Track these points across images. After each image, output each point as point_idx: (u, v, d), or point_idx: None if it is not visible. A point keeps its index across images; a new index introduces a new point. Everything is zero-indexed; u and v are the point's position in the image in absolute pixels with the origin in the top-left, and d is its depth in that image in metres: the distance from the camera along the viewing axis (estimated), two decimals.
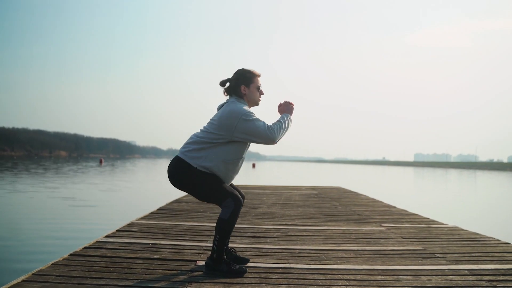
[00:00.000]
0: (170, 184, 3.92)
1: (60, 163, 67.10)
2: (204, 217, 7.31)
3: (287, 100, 4.04)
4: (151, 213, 7.80)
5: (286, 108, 4.01)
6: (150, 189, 23.21)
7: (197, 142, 3.83)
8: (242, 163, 3.99)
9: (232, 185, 4.07)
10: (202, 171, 3.77)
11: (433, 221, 7.55)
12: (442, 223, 7.33)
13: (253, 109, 3.93)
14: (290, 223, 6.95)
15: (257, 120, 3.74)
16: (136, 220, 6.86)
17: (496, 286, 3.63)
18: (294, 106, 4.03)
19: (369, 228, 6.67)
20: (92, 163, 78.94)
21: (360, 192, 14.83)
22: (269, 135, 3.70)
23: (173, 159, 3.92)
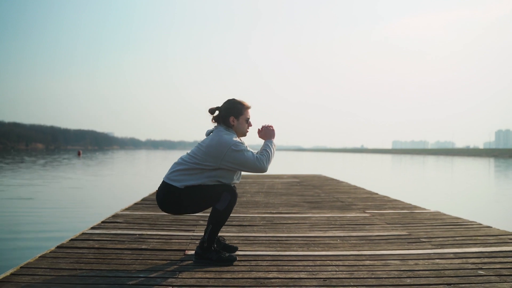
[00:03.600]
0: (161, 209, 3.94)
1: (38, 156, 66.17)
2: None
3: (265, 125, 4.06)
4: (135, 203, 7.76)
5: (267, 134, 4.03)
6: (132, 180, 23.07)
7: (183, 166, 3.82)
8: (238, 179, 4.00)
9: None
10: (190, 186, 3.78)
11: (416, 207, 7.66)
12: (424, 209, 7.44)
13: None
14: (275, 211, 6.98)
15: (246, 151, 3.75)
16: (121, 211, 6.82)
17: (481, 268, 3.71)
18: (274, 129, 4.06)
19: (353, 214, 6.73)
20: (70, 155, 78.00)
21: (341, 179, 14.95)
22: (259, 166, 3.74)
23: (160, 185, 3.91)
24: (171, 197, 3.82)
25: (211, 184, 3.82)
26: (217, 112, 3.98)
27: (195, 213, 4.00)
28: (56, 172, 28.31)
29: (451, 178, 27.78)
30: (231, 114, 3.91)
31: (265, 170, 3.78)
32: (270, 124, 4.07)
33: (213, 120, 3.99)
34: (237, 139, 3.85)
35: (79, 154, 79.37)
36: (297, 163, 52.88)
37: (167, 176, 3.86)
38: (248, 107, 3.98)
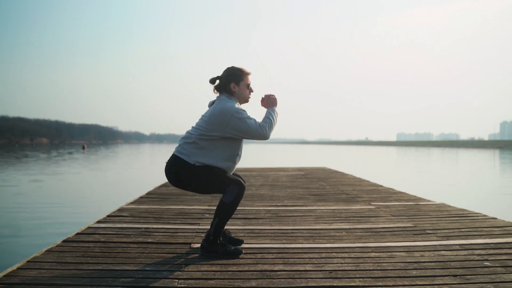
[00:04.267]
0: (169, 182, 3.95)
1: (42, 151, 66.37)
2: (194, 201, 7.31)
3: (268, 94, 4.09)
4: (140, 197, 7.78)
5: (269, 102, 4.06)
6: (137, 174, 23.11)
7: (191, 139, 3.85)
8: (239, 159, 4.01)
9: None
10: (200, 166, 3.79)
11: (421, 199, 7.65)
12: (429, 200, 7.42)
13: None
14: (280, 204, 6.99)
15: (249, 118, 3.77)
16: (126, 205, 6.84)
17: (487, 260, 3.70)
18: (276, 97, 4.08)
19: (358, 207, 6.73)
20: (75, 149, 78.21)
21: (345, 172, 14.94)
22: (261, 133, 3.76)
23: (170, 158, 3.93)
24: (181, 171, 3.83)
25: (221, 171, 3.83)
26: (217, 82, 4.00)
27: (198, 193, 3.98)
28: (61, 166, 28.40)
29: (456, 170, 27.72)
30: (231, 81, 3.93)
31: (267, 137, 3.81)
32: (272, 94, 4.09)
33: (215, 90, 4.01)
34: (239, 106, 3.88)
35: (83, 148, 79.65)
36: (301, 155, 52.87)
37: (177, 150, 3.89)
38: (248, 73, 3.99)
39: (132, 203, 7.08)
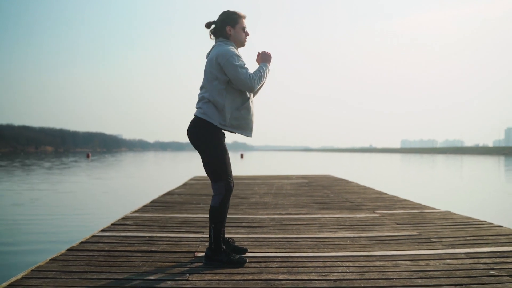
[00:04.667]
0: (190, 143, 3.98)
1: (47, 159, 66.54)
2: (198, 209, 7.31)
3: (265, 50, 4.12)
4: (144, 206, 7.78)
5: (264, 58, 4.09)
6: (141, 183, 23.13)
7: (204, 98, 3.87)
8: (253, 105, 4.01)
9: None
10: (219, 138, 3.84)
11: (425, 207, 7.63)
12: (434, 208, 7.40)
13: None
14: (284, 212, 6.97)
15: (241, 66, 3.78)
16: (130, 213, 6.84)
17: (493, 269, 3.68)
18: (271, 55, 4.11)
19: (363, 215, 6.71)
20: (79, 157, 78.37)
21: (350, 179, 14.91)
22: (249, 83, 3.78)
23: (193, 119, 3.92)
24: (202, 131, 3.84)
25: (228, 160, 3.89)
26: (213, 26, 4.02)
27: (203, 162, 3.95)
28: (66, 175, 28.46)
29: (461, 177, 27.63)
30: (227, 24, 3.95)
31: (253, 89, 3.83)
32: (268, 51, 4.12)
33: (211, 36, 4.04)
34: (236, 51, 3.89)
35: (88, 156, 79.75)
36: (305, 163, 52.81)
37: (198, 112, 3.89)
38: (243, 16, 4.02)
39: (136, 211, 7.08)
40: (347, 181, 13.89)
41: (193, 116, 3.93)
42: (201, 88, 3.95)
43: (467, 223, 5.91)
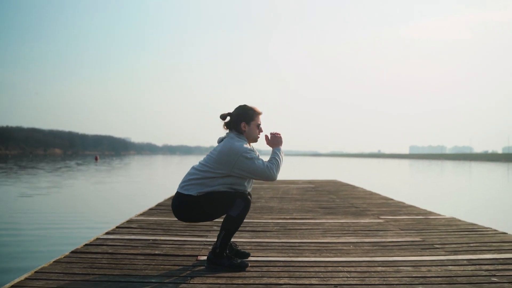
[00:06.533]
0: (177, 218, 4.02)
1: (55, 161, 66.84)
2: None
3: (273, 132, 4.10)
4: (150, 209, 7.82)
5: (275, 141, 4.07)
6: (147, 186, 23.19)
7: (196, 175, 3.87)
8: (250, 187, 4.02)
9: None
10: (203, 195, 3.83)
11: (431, 213, 7.61)
12: (439, 214, 7.38)
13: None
14: (288, 217, 6.98)
15: (257, 159, 3.79)
16: (135, 216, 6.88)
17: (494, 275, 3.67)
18: (281, 136, 4.10)
19: (367, 220, 6.71)
20: (87, 160, 78.66)
21: (357, 185, 14.89)
22: (269, 174, 3.78)
23: (175, 195, 3.98)
24: (186, 205, 3.87)
25: (224, 191, 3.86)
26: (228, 118, 4.02)
27: (209, 220, 4.02)
28: (73, 177, 28.59)
29: (469, 184, 27.47)
30: (242, 120, 3.95)
31: (274, 179, 3.83)
32: (277, 132, 4.10)
33: (225, 127, 4.03)
34: (248, 145, 3.89)
35: (96, 159, 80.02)
36: (313, 168, 52.73)
37: (181, 186, 3.91)
38: (259, 113, 4.01)
39: (141, 214, 7.11)
40: (353, 186, 13.88)
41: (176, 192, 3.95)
42: (202, 163, 3.92)
43: (471, 229, 5.89)
